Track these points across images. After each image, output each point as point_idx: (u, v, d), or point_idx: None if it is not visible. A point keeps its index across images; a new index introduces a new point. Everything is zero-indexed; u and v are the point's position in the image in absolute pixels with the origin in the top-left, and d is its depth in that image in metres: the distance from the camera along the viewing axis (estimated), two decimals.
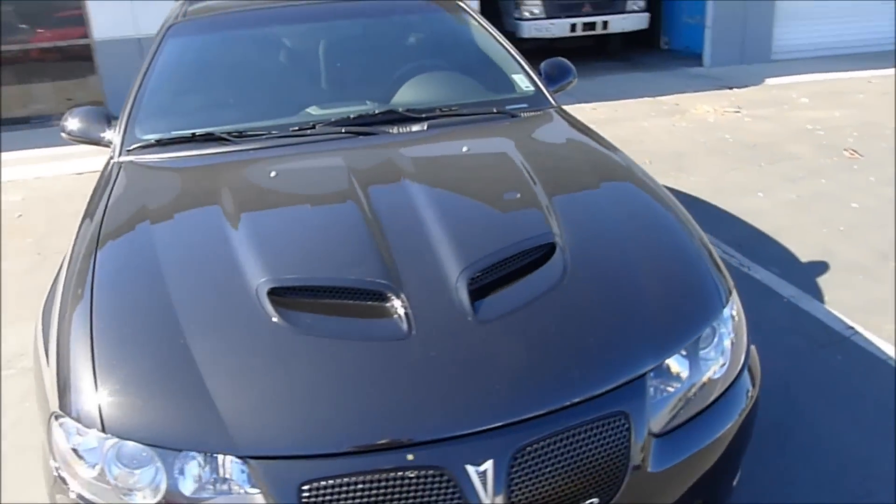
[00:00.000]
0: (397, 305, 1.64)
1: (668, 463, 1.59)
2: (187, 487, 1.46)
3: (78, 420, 1.53)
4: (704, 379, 1.72)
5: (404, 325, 1.60)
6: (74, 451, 1.53)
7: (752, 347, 1.98)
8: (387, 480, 1.41)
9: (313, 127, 2.53)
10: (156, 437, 1.48)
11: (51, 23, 8.21)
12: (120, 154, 2.54)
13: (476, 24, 3.22)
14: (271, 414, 1.49)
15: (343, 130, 2.49)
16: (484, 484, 1.42)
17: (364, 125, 2.53)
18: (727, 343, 1.79)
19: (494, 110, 2.67)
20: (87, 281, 1.84)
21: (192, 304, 1.71)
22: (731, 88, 7.87)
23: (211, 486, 1.46)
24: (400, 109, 2.60)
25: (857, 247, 3.91)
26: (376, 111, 2.60)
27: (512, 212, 2.02)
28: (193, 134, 2.51)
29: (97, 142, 2.73)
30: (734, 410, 1.76)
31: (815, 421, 2.58)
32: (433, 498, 1.41)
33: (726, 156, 5.56)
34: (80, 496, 1.52)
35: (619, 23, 9.56)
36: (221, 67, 2.95)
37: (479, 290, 1.69)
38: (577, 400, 1.52)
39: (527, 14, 9.35)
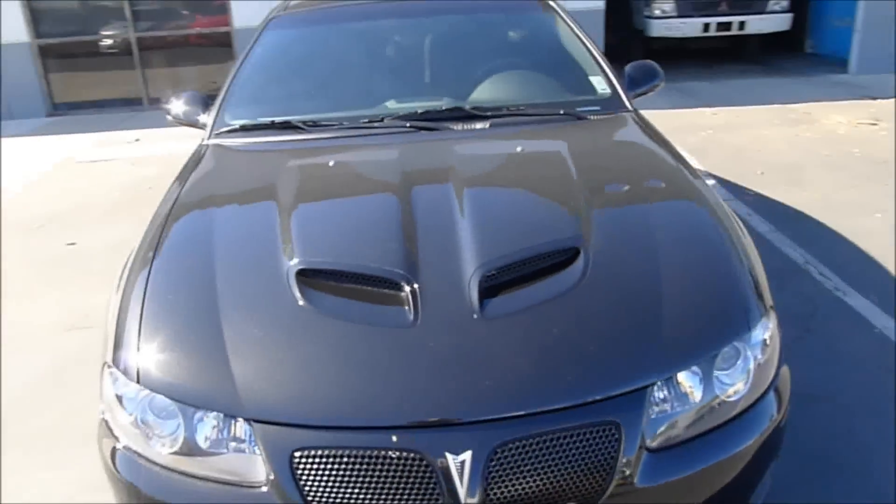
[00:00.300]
0: (409, 296, 1.71)
1: (662, 479, 1.56)
2: (201, 441, 1.61)
3: (123, 372, 1.72)
4: (718, 399, 1.67)
5: (411, 315, 1.67)
6: (118, 398, 1.73)
7: (784, 369, 1.89)
8: (370, 458, 1.49)
9: (382, 120, 2.64)
10: (180, 394, 1.64)
11: (206, 10, 8.89)
12: (209, 137, 2.78)
13: (564, 23, 3.21)
14: (278, 384, 1.61)
15: (408, 125, 2.58)
16: (461, 474, 1.47)
17: (430, 120, 2.62)
18: (751, 366, 1.73)
19: (562, 112, 2.67)
20: (152, 249, 2.05)
21: (232, 279, 1.87)
22: (873, 99, 7.27)
23: (222, 443, 1.60)
24: (466, 107, 2.66)
25: None
26: (444, 108, 2.67)
27: (547, 214, 2.04)
28: (273, 121, 2.70)
29: (195, 124, 2.98)
30: (749, 434, 1.70)
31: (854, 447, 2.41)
32: (411, 482, 1.48)
33: (848, 171, 5.17)
34: (117, 438, 1.71)
35: (758, 24, 9.07)
36: (310, 60, 3.13)
37: (493, 287, 1.73)
38: (565, 405, 1.53)
39: (657, 12, 9.07)
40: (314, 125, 2.67)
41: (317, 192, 2.25)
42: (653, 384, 1.60)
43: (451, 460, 1.47)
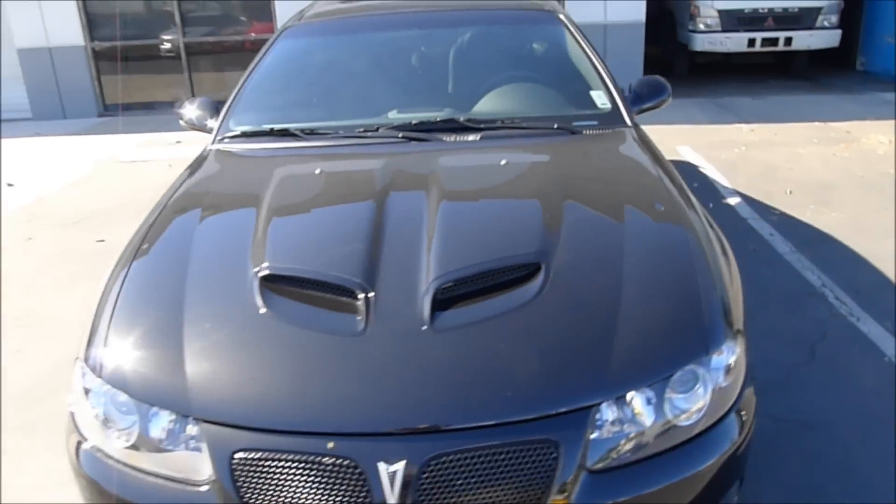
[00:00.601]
0: (363, 304, 1.74)
1: (600, 501, 1.55)
2: (154, 437, 1.66)
3: (91, 367, 1.79)
4: (669, 423, 1.64)
5: (362, 324, 1.69)
6: (85, 391, 1.80)
7: (749, 391, 1.84)
8: (306, 464, 1.52)
9: (377, 130, 2.68)
10: (136, 391, 1.70)
11: (253, 16, 9.13)
12: (213, 142, 2.86)
13: (572, 37, 3.20)
14: (226, 385, 1.65)
15: (400, 135, 2.61)
16: (392, 484, 1.48)
17: (423, 131, 2.64)
18: (709, 391, 1.69)
19: (556, 126, 2.67)
20: (135, 250, 2.13)
21: (201, 282, 1.92)
22: None
23: (174, 440, 1.65)
24: (461, 119, 2.68)
25: None
26: (438, 119, 2.69)
27: (516, 228, 2.03)
28: (272, 128, 2.77)
29: (204, 129, 3.07)
30: (703, 459, 1.66)
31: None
32: (343, 489, 1.50)
33: (882, 193, 4.99)
34: (81, 433, 1.78)
35: (805, 40, 8.84)
36: (318, 69, 3.19)
37: (448, 300, 1.74)
38: (501, 420, 1.53)
39: (701, 26, 8.92)
40: (311, 133, 2.72)
41: (297, 200, 2.30)
42: (597, 404, 1.58)
43: (384, 470, 1.49)
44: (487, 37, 3.26)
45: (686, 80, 9.45)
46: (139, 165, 6.67)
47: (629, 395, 1.61)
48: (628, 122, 2.81)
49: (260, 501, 1.53)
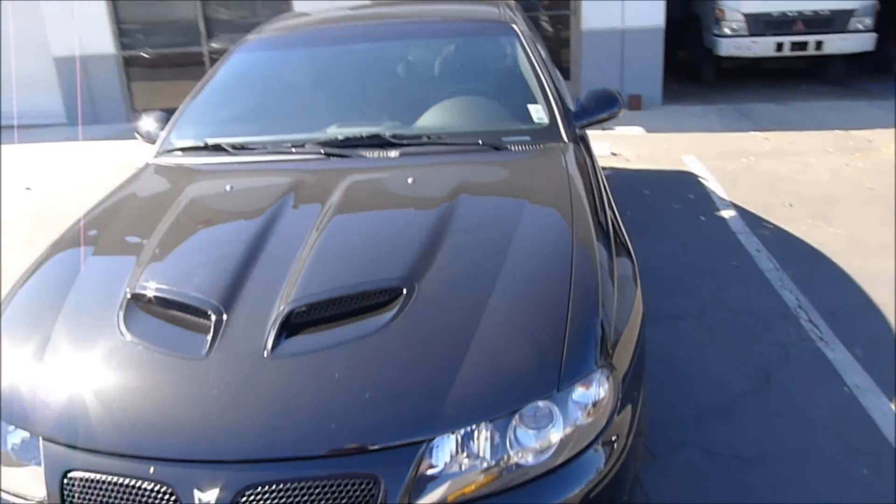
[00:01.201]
0: (213, 327, 1.73)
1: None
2: (8, 451, 1.69)
3: None
4: (512, 461, 1.58)
5: (206, 347, 1.69)
6: None
7: (623, 415, 1.75)
8: (128, 487, 1.52)
9: (303, 145, 2.67)
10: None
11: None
12: (154, 156, 2.90)
13: (522, 48, 3.12)
14: (67, 405, 1.66)
15: (322, 151, 2.60)
16: None
17: (350, 147, 2.62)
18: (562, 428, 1.62)
19: (480, 142, 2.61)
20: (34, 266, 2.17)
21: (79, 301, 1.95)
22: None
23: (23, 455, 1.67)
24: (386, 135, 2.65)
25: None
26: (363, 135, 2.67)
27: (392, 252, 1.99)
28: (205, 143, 2.79)
29: (153, 142, 3.12)
30: (551, 497, 1.59)
31: None
32: None
33: (887, 207, 4.74)
34: None
35: (837, 43, 8.48)
36: (266, 83, 3.21)
37: (298, 325, 1.72)
38: (320, 453, 1.50)
39: (727, 30, 8.65)
40: (242, 148, 2.73)
41: (194, 218, 2.30)
42: (428, 440, 1.53)
43: (197, 498, 1.47)
44: (437, 50, 3.22)
45: (712, 85, 9.20)
46: None
47: (467, 431, 1.56)
48: (564, 137, 2.73)
49: None
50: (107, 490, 1.53)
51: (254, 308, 1.77)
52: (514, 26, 3.23)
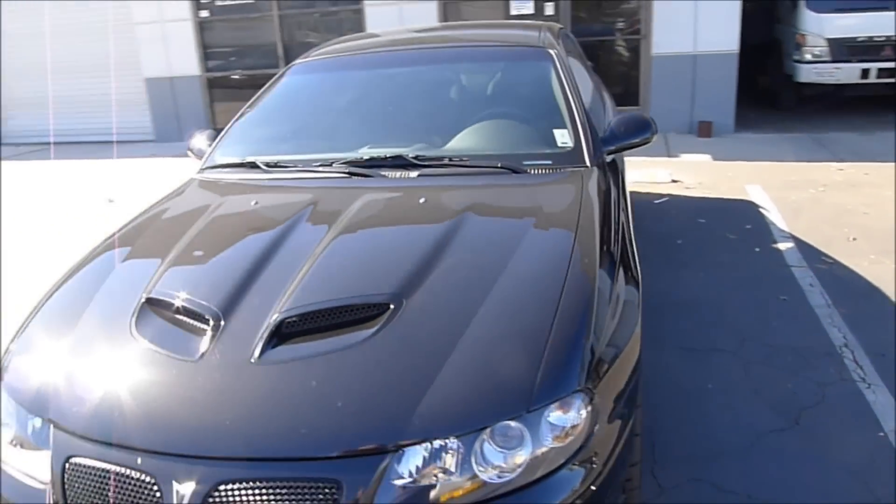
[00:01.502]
0: (210, 332, 1.83)
1: None
2: (28, 435, 1.83)
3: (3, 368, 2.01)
4: (475, 477, 1.60)
5: (201, 351, 1.79)
6: None
7: (607, 432, 1.74)
8: (119, 475, 1.63)
9: (331, 165, 2.78)
10: (20, 398, 1.89)
11: None
12: (197, 171, 3.08)
13: (555, 73, 3.13)
14: (79, 395, 1.80)
15: (346, 171, 2.70)
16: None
17: (374, 167, 2.72)
18: (531, 449, 1.63)
19: (499, 165, 2.65)
20: (71, 271, 2.35)
21: (103, 302, 2.10)
22: None
23: (39, 438, 1.81)
24: (409, 156, 2.72)
25: None
26: (387, 155, 2.75)
27: (387, 267, 2.05)
28: (242, 161, 2.95)
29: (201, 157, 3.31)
30: None
31: None
32: (141, 502, 1.59)
33: None
34: None
35: None
36: (303, 105, 3.35)
37: (287, 334, 1.80)
38: (289, 455, 1.57)
39: (808, 56, 8.35)
40: (275, 166, 2.87)
41: (217, 229, 2.43)
42: (393, 450, 1.57)
43: (175, 489, 1.57)
44: (472, 75, 3.29)
45: (791, 113, 8.88)
46: None
47: (433, 445, 1.59)
48: (588, 162, 2.73)
49: None
50: (100, 477, 1.65)
51: (250, 316, 1.87)
52: (550, 51, 3.25)
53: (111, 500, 1.62)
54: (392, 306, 1.85)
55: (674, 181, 6.25)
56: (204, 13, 9.56)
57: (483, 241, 2.20)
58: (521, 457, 1.62)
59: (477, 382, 1.68)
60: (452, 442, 1.60)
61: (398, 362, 1.73)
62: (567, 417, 1.69)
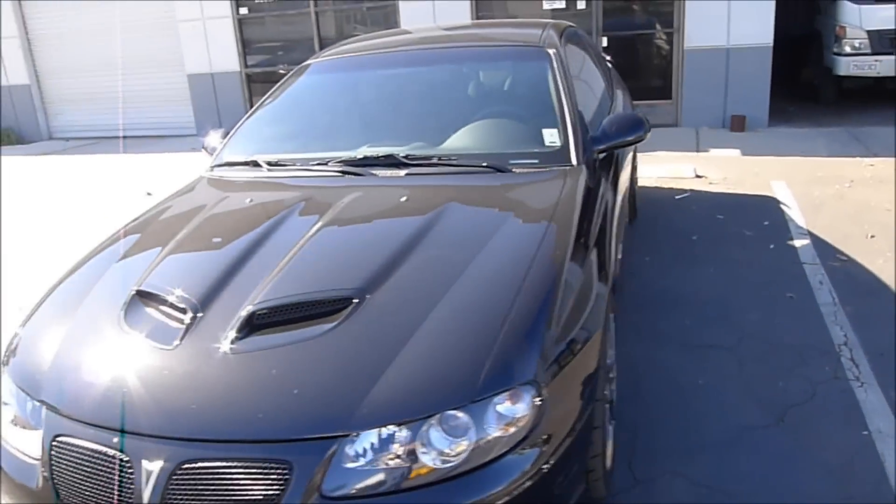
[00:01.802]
0: (188, 322, 1.98)
1: None
2: (22, 413, 2.01)
3: (4, 352, 2.20)
4: (420, 462, 1.70)
5: (178, 339, 1.93)
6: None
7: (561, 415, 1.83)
8: (98, 453, 1.78)
9: (326, 163, 2.90)
10: (20, 380, 2.07)
11: None
12: (207, 169, 3.24)
13: (553, 72, 3.18)
14: (68, 379, 1.96)
15: (340, 171, 2.82)
16: (147, 481, 1.70)
17: (367, 165, 2.83)
18: (475, 437, 1.72)
19: (485, 164, 2.73)
20: (76, 265, 2.53)
21: (101, 292, 2.27)
22: None
23: (35, 418, 1.97)
24: (400, 155, 2.83)
25: None
26: (379, 155, 2.86)
27: (357, 262, 2.17)
28: (246, 160, 3.10)
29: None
30: (461, 497, 1.69)
31: None
32: (119, 480, 1.74)
33: None
34: None
35: None
36: (309, 105, 3.48)
37: (256, 325, 1.93)
38: (246, 438, 1.70)
39: (847, 48, 8.15)
40: (276, 164, 3.01)
41: (211, 226, 2.59)
42: (341, 436, 1.69)
43: (144, 467, 1.71)
44: (470, 75, 3.37)
45: (830, 106, 8.67)
46: None
47: (381, 431, 1.70)
48: (574, 161, 2.79)
49: (63, 481, 1.82)
50: (81, 455, 1.81)
51: (226, 308, 2.01)
52: (548, 51, 3.30)
53: (93, 477, 1.77)
54: (356, 300, 1.96)
55: (698, 176, 6.20)
56: (243, 10, 9.83)
57: (455, 237, 2.29)
58: (465, 444, 1.72)
59: (427, 372, 1.79)
60: (400, 429, 1.70)
61: (354, 354, 1.84)
62: (515, 408, 1.77)
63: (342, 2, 9.63)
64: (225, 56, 9.97)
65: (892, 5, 7.84)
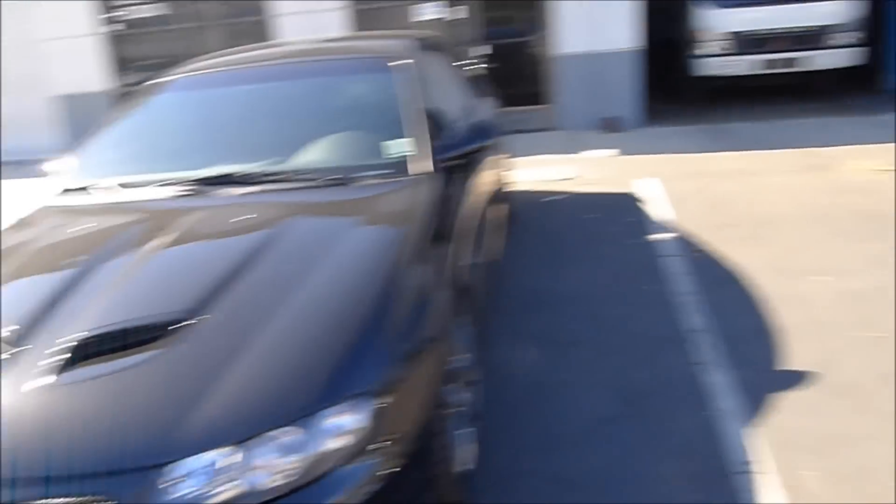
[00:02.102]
0: (10, 357, 1.88)
1: None
2: None
3: None
4: (251, 483, 1.67)
5: None
6: None
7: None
8: None
9: (170, 185, 2.82)
10: None
11: None
12: (51, 196, 3.08)
13: (400, 84, 3.19)
14: None
15: (182, 192, 2.75)
16: None
17: (208, 185, 2.78)
18: (301, 455, 1.69)
19: (326, 178, 2.73)
20: None
21: None
22: None
23: None
24: (236, 174, 2.79)
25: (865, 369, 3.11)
26: (216, 174, 2.81)
27: (187, 285, 2.12)
28: (81, 187, 2.98)
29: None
30: None
31: None
32: None
33: (830, 226, 4.68)
34: None
35: (822, 59, 8.36)
36: (152, 126, 3.39)
37: (84, 356, 1.86)
38: (67, 474, 1.63)
39: (702, 51, 8.61)
40: (119, 187, 2.90)
41: (44, 255, 2.51)
42: (164, 464, 1.63)
43: None
44: (318, 89, 3.35)
45: (700, 105, 9.12)
46: None
47: (206, 455, 1.65)
48: (421, 169, 2.81)
49: None
50: None
51: (47, 339, 1.93)
52: (399, 63, 3.32)
53: None
54: (185, 322, 1.91)
55: (569, 178, 6.39)
56: (119, 26, 9.47)
57: (293, 252, 2.27)
58: (298, 460, 1.69)
59: (257, 390, 1.76)
60: (227, 451, 1.66)
61: (180, 378, 1.79)
62: (349, 420, 1.76)
63: (217, 18, 9.42)
64: (98, 75, 9.55)
65: (743, 9, 8.37)
